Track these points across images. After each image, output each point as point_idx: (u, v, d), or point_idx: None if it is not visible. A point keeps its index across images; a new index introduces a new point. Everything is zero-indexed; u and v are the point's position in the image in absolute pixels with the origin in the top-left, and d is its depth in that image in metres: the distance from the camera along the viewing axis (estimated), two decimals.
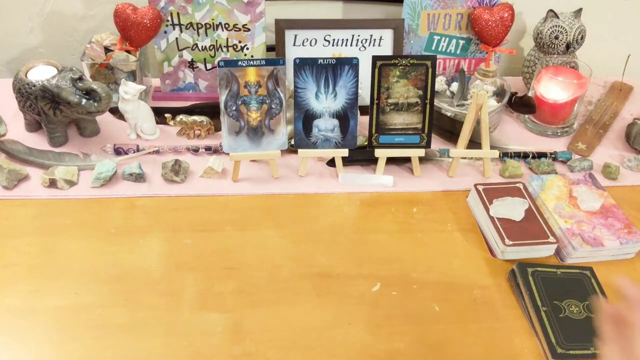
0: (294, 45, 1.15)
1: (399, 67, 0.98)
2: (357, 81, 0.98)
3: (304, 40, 1.15)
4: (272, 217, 0.93)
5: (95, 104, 0.97)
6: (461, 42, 1.22)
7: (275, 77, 0.95)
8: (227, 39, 1.16)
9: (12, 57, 1.30)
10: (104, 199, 0.95)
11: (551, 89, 1.13)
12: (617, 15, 1.34)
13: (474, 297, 0.81)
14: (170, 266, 0.84)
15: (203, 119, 1.08)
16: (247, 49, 1.17)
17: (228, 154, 0.98)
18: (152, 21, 1.09)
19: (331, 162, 1.05)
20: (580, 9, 1.20)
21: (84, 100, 0.97)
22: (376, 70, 0.98)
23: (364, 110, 1.06)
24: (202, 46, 1.16)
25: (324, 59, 0.97)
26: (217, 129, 1.09)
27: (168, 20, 1.13)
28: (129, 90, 1.02)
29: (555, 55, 1.20)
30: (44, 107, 0.99)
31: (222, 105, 0.95)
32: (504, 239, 0.86)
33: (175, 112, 1.10)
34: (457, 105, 1.13)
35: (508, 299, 0.81)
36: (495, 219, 0.90)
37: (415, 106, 1.00)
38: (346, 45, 1.16)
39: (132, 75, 1.15)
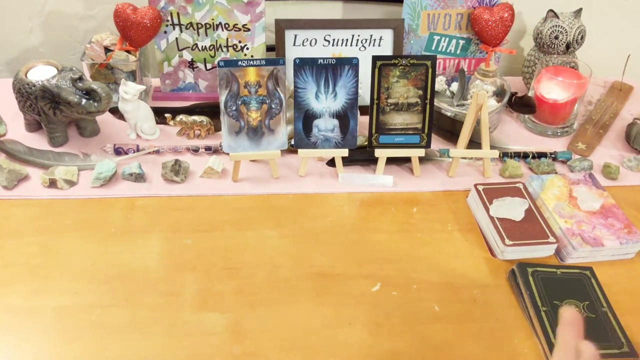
0: (294, 45, 1.15)
1: (399, 67, 0.98)
2: (357, 81, 0.98)
3: (304, 40, 1.15)
4: (272, 217, 0.93)
5: (95, 104, 0.97)
6: (461, 42, 1.22)
7: (275, 77, 0.95)
8: (227, 39, 1.16)
9: (12, 57, 1.30)
10: (103, 199, 0.95)
11: (551, 89, 1.13)
12: (617, 16, 1.34)
13: (474, 297, 0.81)
14: (170, 266, 0.84)
15: (203, 119, 1.08)
16: (247, 49, 1.17)
17: (228, 154, 0.98)
18: (152, 21, 1.09)
19: (331, 162, 1.05)
20: (580, 9, 1.20)
21: (84, 100, 0.97)
22: (376, 70, 0.97)
23: (364, 110, 1.06)
24: (202, 46, 1.16)
25: (324, 59, 0.97)
26: (217, 129, 1.09)
27: (168, 20, 1.13)
28: (129, 90, 1.02)
29: (555, 55, 1.20)
30: (44, 107, 0.99)
31: (222, 105, 0.95)
32: (504, 239, 0.86)
33: (175, 112, 1.10)
34: (457, 105, 1.13)
35: (508, 299, 0.81)
36: (495, 219, 0.90)
37: (415, 106, 1.00)
38: (346, 45, 1.16)
39: (132, 75, 1.15)
